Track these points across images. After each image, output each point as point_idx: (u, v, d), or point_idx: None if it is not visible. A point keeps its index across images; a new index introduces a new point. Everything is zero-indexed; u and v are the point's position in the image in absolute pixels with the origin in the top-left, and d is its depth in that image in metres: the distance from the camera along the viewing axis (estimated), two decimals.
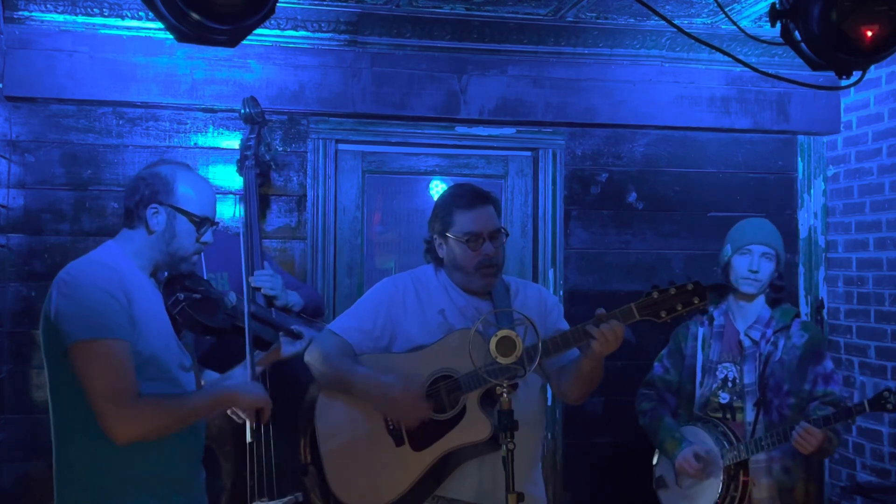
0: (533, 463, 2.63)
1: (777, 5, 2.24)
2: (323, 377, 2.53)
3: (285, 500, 2.72)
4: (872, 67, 2.53)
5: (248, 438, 2.76)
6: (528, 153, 4.07)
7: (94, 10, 3.41)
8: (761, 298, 3.09)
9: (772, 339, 3.01)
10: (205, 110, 3.66)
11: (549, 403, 3.78)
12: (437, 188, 4.10)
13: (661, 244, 4.08)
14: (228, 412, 2.52)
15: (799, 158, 4.22)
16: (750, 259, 3.03)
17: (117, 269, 2.14)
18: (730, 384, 3.03)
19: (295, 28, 3.60)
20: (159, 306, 2.25)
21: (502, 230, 2.56)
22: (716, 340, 3.10)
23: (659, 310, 2.34)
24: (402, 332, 2.56)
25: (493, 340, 2.01)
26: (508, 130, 3.95)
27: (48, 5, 3.38)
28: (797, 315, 3.10)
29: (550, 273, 3.96)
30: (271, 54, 3.65)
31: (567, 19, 3.71)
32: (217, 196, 2.45)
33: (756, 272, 3.01)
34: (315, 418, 2.55)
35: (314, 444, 2.55)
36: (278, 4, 2.02)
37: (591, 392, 2.54)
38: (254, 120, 3.24)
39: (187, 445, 2.24)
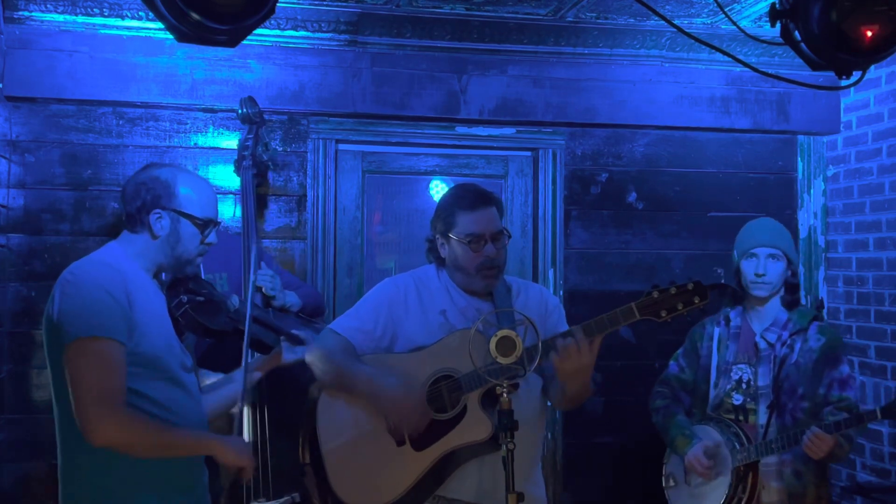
0: (533, 463, 2.63)
1: (777, 5, 2.24)
2: (325, 376, 2.53)
3: (282, 500, 2.73)
4: (872, 67, 2.53)
5: (247, 438, 2.76)
6: (528, 153, 4.07)
7: (94, 10, 3.41)
8: (776, 300, 3.05)
9: (788, 342, 2.98)
10: (205, 110, 3.66)
11: (549, 404, 3.78)
12: (437, 188, 4.10)
13: (661, 244, 4.08)
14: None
15: (799, 158, 4.22)
16: (756, 262, 3.01)
17: (120, 269, 2.14)
18: (744, 386, 3.01)
19: (295, 28, 3.60)
20: (162, 307, 2.25)
21: (504, 232, 2.55)
22: (732, 341, 3.08)
23: (659, 309, 2.34)
24: (403, 333, 2.55)
25: (493, 340, 2.01)
26: (508, 130, 3.95)
27: (48, 5, 3.38)
28: (815, 318, 3.06)
29: (550, 273, 3.96)
30: (271, 54, 3.65)
31: (567, 19, 3.71)
32: (218, 210, 2.44)
33: (763, 275, 2.98)
34: (316, 417, 2.55)
35: (313, 444, 2.55)
36: (278, 4, 2.02)
37: (577, 403, 2.54)
38: (251, 120, 3.24)
39: None
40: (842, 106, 4.12)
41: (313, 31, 3.62)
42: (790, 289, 3.06)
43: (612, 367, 3.90)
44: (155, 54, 3.53)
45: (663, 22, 2.46)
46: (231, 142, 3.65)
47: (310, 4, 3.48)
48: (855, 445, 3.89)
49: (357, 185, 3.93)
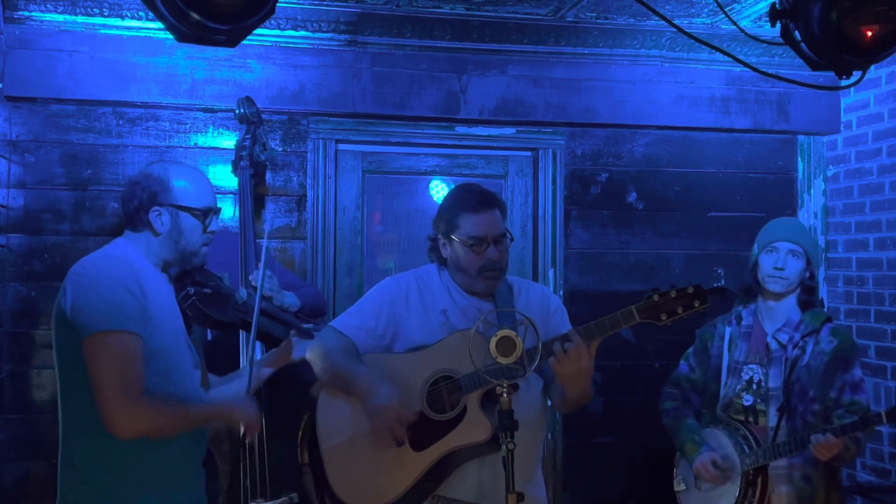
0: (534, 464, 2.63)
1: (777, 5, 2.24)
2: (324, 374, 2.53)
3: (280, 500, 2.72)
4: (872, 67, 2.52)
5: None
6: (528, 153, 4.07)
7: (94, 10, 3.41)
8: (791, 300, 3.01)
9: (800, 344, 2.94)
10: (205, 110, 3.66)
11: (549, 404, 3.78)
12: (438, 188, 4.10)
13: (661, 244, 4.08)
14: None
15: (799, 158, 4.22)
16: (776, 256, 2.96)
17: (132, 262, 2.15)
18: (754, 386, 2.97)
19: (295, 28, 3.60)
20: (172, 302, 2.25)
21: (507, 234, 2.55)
22: (743, 340, 3.04)
23: (659, 312, 2.33)
24: (404, 332, 2.55)
25: (493, 340, 2.01)
26: (508, 130, 3.95)
27: (48, 5, 3.38)
28: (829, 319, 3.01)
29: (550, 273, 3.96)
30: (271, 54, 3.65)
31: (567, 19, 3.71)
32: (216, 196, 2.44)
33: (781, 269, 2.94)
34: (316, 416, 2.55)
35: (312, 443, 2.54)
36: (278, 4, 2.02)
37: (578, 406, 2.54)
38: (249, 120, 3.23)
39: (190, 446, 2.24)
40: (842, 106, 4.12)
41: (313, 31, 3.62)
42: (807, 290, 3.01)
43: (612, 367, 3.90)
44: (155, 54, 3.53)
45: (663, 22, 2.46)
46: (231, 142, 3.65)
47: (310, 4, 3.48)
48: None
49: (357, 185, 3.93)
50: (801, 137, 4.20)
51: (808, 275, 3.00)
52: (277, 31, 3.60)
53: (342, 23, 3.60)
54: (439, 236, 2.60)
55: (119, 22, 3.47)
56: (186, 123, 3.67)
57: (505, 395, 2.00)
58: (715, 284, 3.97)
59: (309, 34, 3.63)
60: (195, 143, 3.67)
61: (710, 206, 4.11)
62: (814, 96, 4.08)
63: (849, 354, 2.94)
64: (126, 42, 3.52)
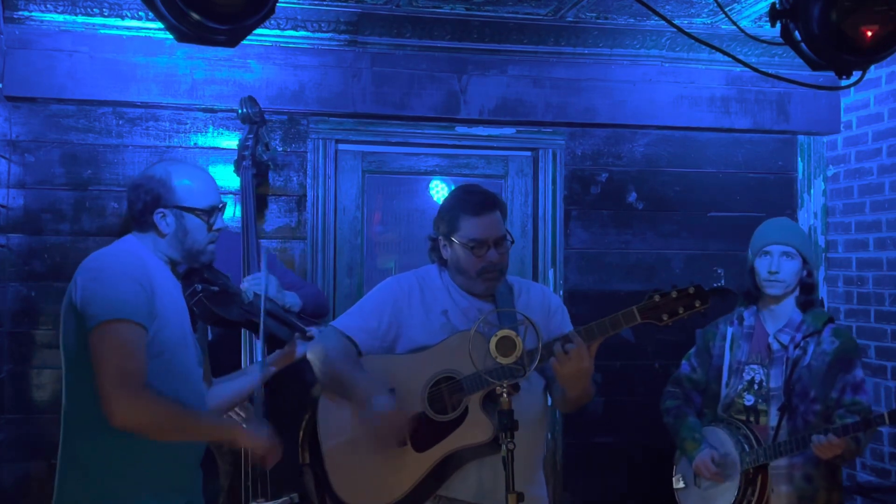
0: (536, 464, 2.63)
1: (777, 5, 2.24)
2: (323, 376, 2.53)
3: (281, 500, 2.73)
4: (872, 67, 2.52)
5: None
6: (528, 153, 4.07)
7: (94, 10, 3.41)
8: (791, 301, 3.02)
9: (801, 344, 2.95)
10: (205, 110, 3.66)
11: (550, 403, 3.79)
12: (438, 188, 4.10)
13: (661, 244, 4.08)
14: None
15: (799, 158, 4.22)
16: (769, 260, 2.98)
17: (142, 258, 2.16)
18: (756, 386, 2.99)
19: (295, 28, 3.60)
20: (180, 298, 2.26)
21: (507, 236, 2.55)
22: (744, 341, 3.05)
23: (661, 313, 2.34)
24: (405, 332, 2.55)
25: (493, 340, 2.00)
26: (508, 130, 3.95)
27: (48, 5, 3.38)
28: (831, 320, 3.02)
29: (550, 273, 3.96)
30: (271, 54, 3.65)
31: (567, 19, 3.71)
32: (220, 193, 2.44)
33: (776, 273, 2.95)
34: (317, 416, 2.55)
35: (313, 444, 2.54)
36: (278, 4, 2.02)
37: (578, 406, 2.54)
38: (251, 120, 3.24)
39: (192, 446, 2.24)
40: (842, 106, 4.12)
41: (313, 31, 3.62)
42: (805, 289, 3.02)
43: (612, 367, 3.90)
44: (155, 54, 3.53)
45: (663, 22, 2.46)
46: (231, 142, 3.65)
47: (310, 4, 3.48)
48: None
49: (357, 185, 3.93)
50: (801, 137, 4.20)
51: (805, 273, 3.01)
52: (277, 31, 3.60)
53: (342, 23, 3.60)
54: (440, 237, 2.60)
55: (119, 22, 3.47)
56: (186, 123, 3.67)
57: (505, 395, 2.00)
58: (715, 284, 3.96)
59: (309, 34, 3.63)
60: (195, 143, 3.67)
61: (710, 206, 4.11)
62: (814, 96, 4.08)
63: (850, 355, 2.94)
64: (126, 42, 3.51)
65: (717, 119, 4.05)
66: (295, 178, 3.76)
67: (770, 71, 2.61)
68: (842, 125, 4.12)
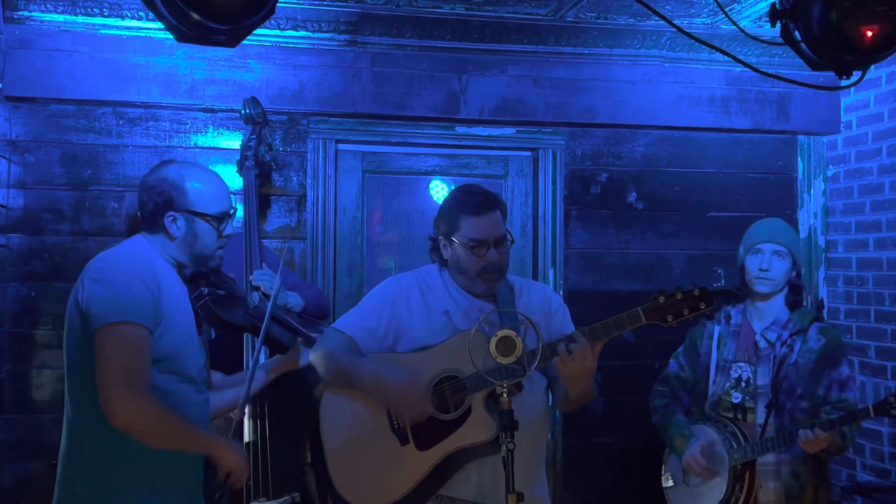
0: (538, 464, 2.63)
1: (777, 5, 2.24)
2: (328, 374, 2.53)
3: (282, 500, 2.73)
4: (872, 67, 2.53)
5: (247, 438, 2.76)
6: (528, 153, 4.07)
7: (94, 10, 3.41)
8: (779, 299, 3.05)
9: (788, 342, 2.98)
10: (205, 110, 3.66)
11: (550, 403, 3.79)
12: (438, 188, 4.10)
13: (661, 244, 4.08)
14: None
15: (799, 158, 4.22)
16: (761, 258, 3.01)
17: (150, 260, 2.16)
18: (743, 384, 3.01)
19: (295, 28, 3.60)
20: (186, 301, 2.26)
21: (507, 236, 2.55)
22: (731, 339, 3.08)
23: (666, 314, 2.34)
24: (406, 332, 2.55)
25: (493, 341, 2.00)
26: (508, 130, 3.95)
27: (48, 5, 3.38)
28: (816, 318, 3.06)
29: (550, 273, 3.96)
30: (271, 54, 3.65)
31: (567, 19, 3.71)
32: (231, 198, 2.44)
33: (767, 270, 2.99)
34: (320, 416, 2.55)
35: (315, 444, 2.55)
36: (278, 4, 2.02)
37: (580, 405, 2.54)
38: (255, 121, 3.25)
39: None
40: (842, 106, 4.12)
41: (313, 31, 3.62)
42: (793, 289, 3.05)
43: (612, 367, 3.90)
44: (155, 54, 3.53)
45: (663, 22, 2.46)
46: (231, 142, 3.66)
47: (310, 4, 3.48)
48: (855, 445, 3.90)
49: (357, 185, 3.93)
50: (801, 137, 4.20)
51: (794, 274, 3.05)
52: (277, 31, 3.60)
53: (342, 23, 3.60)
54: (440, 237, 2.60)
55: (119, 22, 3.47)
56: (186, 123, 3.67)
57: (505, 395, 2.00)
58: (716, 285, 3.96)
59: (309, 34, 3.63)
60: (195, 143, 3.67)
61: (710, 206, 4.12)
62: (814, 96, 4.08)
63: (836, 353, 2.98)
64: (126, 42, 3.51)
65: (717, 119, 4.05)
66: (295, 178, 3.76)
67: (770, 71, 2.61)
68: (842, 125, 4.12)
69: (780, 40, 2.28)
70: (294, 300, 3.04)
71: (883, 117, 3.86)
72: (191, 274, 2.34)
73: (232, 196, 2.39)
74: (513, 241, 2.59)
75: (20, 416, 3.48)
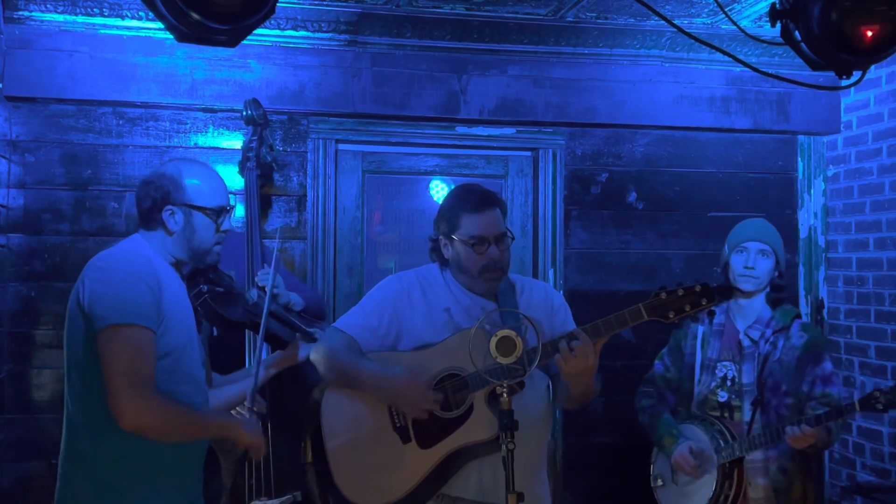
0: (540, 462, 2.63)
1: (777, 5, 2.24)
2: (329, 373, 2.53)
3: (283, 499, 2.73)
4: (872, 67, 2.53)
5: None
6: (528, 153, 4.07)
7: (94, 10, 3.41)
8: (761, 298, 3.08)
9: (771, 340, 3.01)
10: (205, 110, 3.66)
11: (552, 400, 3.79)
12: (438, 188, 4.10)
13: (661, 244, 4.08)
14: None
15: (799, 158, 4.22)
16: (746, 256, 3.04)
17: (150, 259, 2.16)
18: (728, 383, 3.04)
19: (295, 28, 3.60)
20: (185, 299, 2.27)
21: (508, 233, 2.56)
22: (715, 338, 3.11)
23: (667, 310, 2.34)
24: (407, 331, 2.56)
25: (493, 340, 2.01)
26: (508, 130, 3.95)
27: (48, 5, 3.38)
28: (798, 316, 3.09)
29: (550, 273, 3.96)
30: (271, 54, 3.65)
31: (567, 19, 3.71)
32: (229, 194, 2.44)
33: (752, 269, 3.01)
34: (321, 416, 2.55)
35: (317, 442, 2.55)
36: (278, 4, 2.02)
37: (582, 403, 2.55)
38: (256, 121, 3.26)
39: (194, 446, 2.25)
40: (842, 106, 4.12)
41: (313, 31, 3.62)
42: (775, 288, 3.09)
43: (612, 367, 3.90)
44: (155, 54, 3.53)
45: (663, 22, 2.46)
46: (231, 142, 3.66)
47: (310, 4, 3.49)
48: (855, 445, 3.90)
49: (357, 185, 3.93)
50: (801, 137, 4.21)
51: (776, 274, 3.08)
52: (277, 31, 3.60)
53: (342, 23, 3.60)
54: (440, 237, 2.60)
55: (119, 22, 3.47)
56: (186, 123, 3.67)
57: (505, 395, 2.00)
58: (713, 285, 3.97)
59: (309, 34, 3.63)
60: (195, 143, 3.67)
61: (710, 206, 4.12)
62: (814, 96, 4.08)
63: (819, 349, 3.02)
64: (126, 42, 3.52)
65: (717, 119, 4.05)
66: (295, 178, 3.76)
67: (770, 71, 2.61)
68: (842, 125, 4.12)
69: (780, 40, 2.28)
70: (295, 299, 3.05)
71: (883, 117, 3.86)
72: (189, 272, 2.35)
73: (231, 195, 2.39)
74: (513, 239, 2.60)
75: (20, 416, 3.48)
